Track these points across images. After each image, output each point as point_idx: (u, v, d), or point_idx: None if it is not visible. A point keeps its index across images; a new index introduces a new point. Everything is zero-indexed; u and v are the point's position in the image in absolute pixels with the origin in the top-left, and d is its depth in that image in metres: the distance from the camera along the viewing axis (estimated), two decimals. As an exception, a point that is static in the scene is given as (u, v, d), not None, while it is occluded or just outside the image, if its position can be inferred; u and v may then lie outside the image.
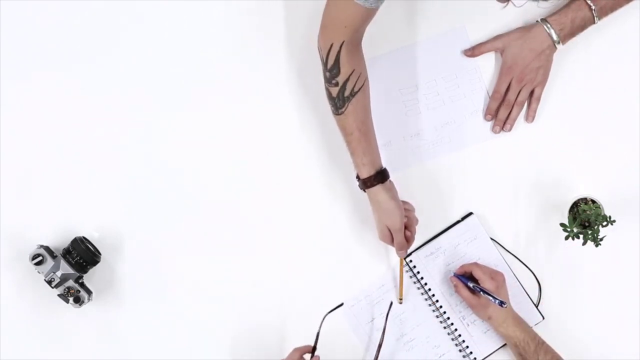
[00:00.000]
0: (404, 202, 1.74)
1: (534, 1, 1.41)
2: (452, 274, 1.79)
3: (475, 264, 1.77)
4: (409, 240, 1.74)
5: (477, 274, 1.74)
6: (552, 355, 1.71)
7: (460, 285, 1.76)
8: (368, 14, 1.61)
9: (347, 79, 1.64)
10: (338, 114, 1.68)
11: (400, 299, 1.80)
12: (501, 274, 1.76)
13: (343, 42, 1.62)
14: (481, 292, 1.72)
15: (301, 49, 1.80)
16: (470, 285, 1.74)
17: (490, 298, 1.71)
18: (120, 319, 1.80)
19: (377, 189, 1.69)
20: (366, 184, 1.69)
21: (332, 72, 1.64)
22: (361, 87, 1.66)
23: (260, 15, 1.81)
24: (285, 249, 1.81)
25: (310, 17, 1.73)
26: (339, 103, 1.66)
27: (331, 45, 1.62)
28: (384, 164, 1.74)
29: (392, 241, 1.73)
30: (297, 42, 1.81)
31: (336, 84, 1.65)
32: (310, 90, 1.80)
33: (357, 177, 1.71)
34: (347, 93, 1.65)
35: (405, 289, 1.81)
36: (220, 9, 1.81)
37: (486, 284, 1.72)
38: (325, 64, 1.65)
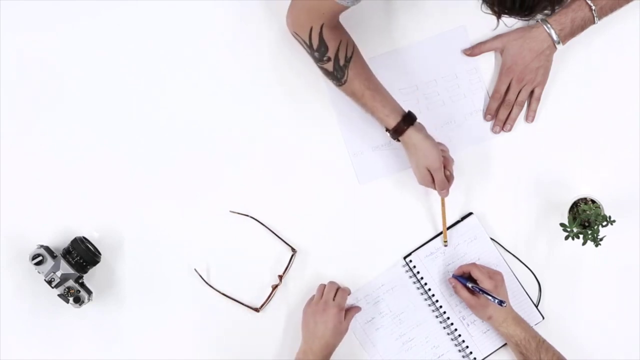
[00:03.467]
0: (439, 143, 1.74)
1: (525, 20, 1.42)
2: (451, 276, 1.79)
3: (474, 264, 1.77)
4: (448, 179, 1.74)
5: (476, 274, 1.74)
6: (553, 353, 1.71)
7: (459, 286, 1.76)
8: (346, 8, 1.63)
9: (337, 50, 1.65)
10: (342, 84, 1.69)
11: (445, 242, 1.80)
12: (500, 274, 1.76)
13: (322, 24, 1.63)
14: (480, 292, 1.72)
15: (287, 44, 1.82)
16: (469, 285, 1.74)
17: (490, 298, 1.71)
18: (120, 319, 1.80)
19: (410, 132, 1.69)
20: (397, 131, 1.69)
21: (320, 51, 1.65)
22: (353, 51, 1.67)
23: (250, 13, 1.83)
24: (286, 250, 1.81)
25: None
26: (338, 74, 1.67)
27: (311, 29, 1.63)
28: (384, 163, 1.73)
29: (432, 183, 1.73)
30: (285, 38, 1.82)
31: (328, 59, 1.66)
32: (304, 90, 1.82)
33: (387, 130, 1.71)
34: (342, 62, 1.66)
35: (405, 289, 1.81)
36: (214, 9, 1.83)
37: (485, 283, 1.72)
38: (310, 46, 1.65)
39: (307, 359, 1.70)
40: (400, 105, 1.71)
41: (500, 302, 1.70)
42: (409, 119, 1.70)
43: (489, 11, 1.41)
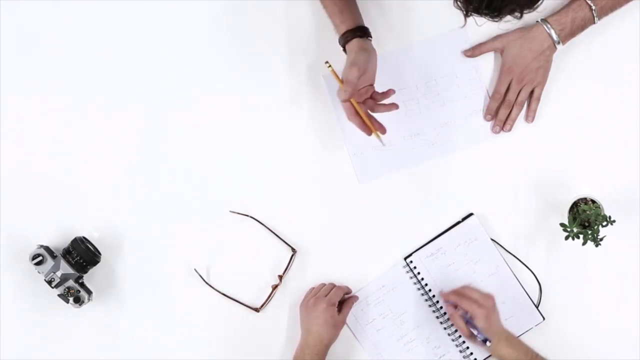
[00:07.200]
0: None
1: (495, 22, 1.43)
2: (444, 291, 1.78)
3: (462, 294, 1.74)
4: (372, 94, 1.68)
5: (465, 306, 1.71)
6: None
7: (457, 315, 1.73)
8: None
9: None
10: None
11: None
12: (491, 298, 1.72)
13: None
14: (468, 324, 1.71)
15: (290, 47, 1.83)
16: (464, 316, 1.72)
17: (476, 334, 1.70)
18: (120, 319, 1.80)
19: (355, 41, 1.66)
20: (346, 38, 1.67)
21: None
22: None
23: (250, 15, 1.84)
24: (286, 250, 1.81)
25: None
26: None
27: None
28: (384, 163, 1.72)
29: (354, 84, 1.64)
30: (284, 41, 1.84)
31: None
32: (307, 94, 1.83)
33: (339, 40, 1.70)
34: None
35: (405, 290, 1.81)
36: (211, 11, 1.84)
37: (476, 313, 1.69)
38: None
39: (304, 354, 1.71)
40: (361, 18, 1.70)
41: (485, 340, 1.68)
42: (360, 31, 1.67)
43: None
